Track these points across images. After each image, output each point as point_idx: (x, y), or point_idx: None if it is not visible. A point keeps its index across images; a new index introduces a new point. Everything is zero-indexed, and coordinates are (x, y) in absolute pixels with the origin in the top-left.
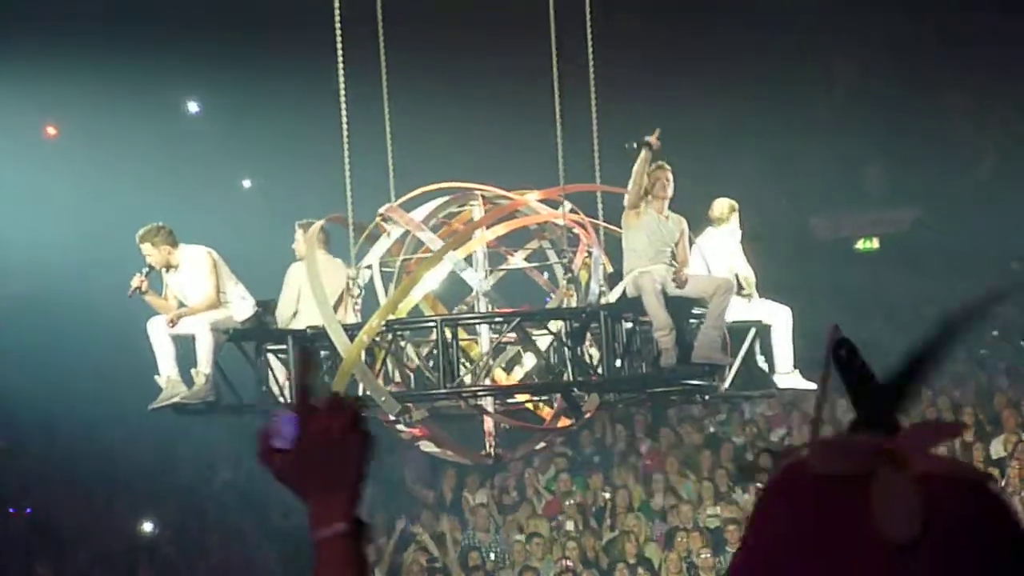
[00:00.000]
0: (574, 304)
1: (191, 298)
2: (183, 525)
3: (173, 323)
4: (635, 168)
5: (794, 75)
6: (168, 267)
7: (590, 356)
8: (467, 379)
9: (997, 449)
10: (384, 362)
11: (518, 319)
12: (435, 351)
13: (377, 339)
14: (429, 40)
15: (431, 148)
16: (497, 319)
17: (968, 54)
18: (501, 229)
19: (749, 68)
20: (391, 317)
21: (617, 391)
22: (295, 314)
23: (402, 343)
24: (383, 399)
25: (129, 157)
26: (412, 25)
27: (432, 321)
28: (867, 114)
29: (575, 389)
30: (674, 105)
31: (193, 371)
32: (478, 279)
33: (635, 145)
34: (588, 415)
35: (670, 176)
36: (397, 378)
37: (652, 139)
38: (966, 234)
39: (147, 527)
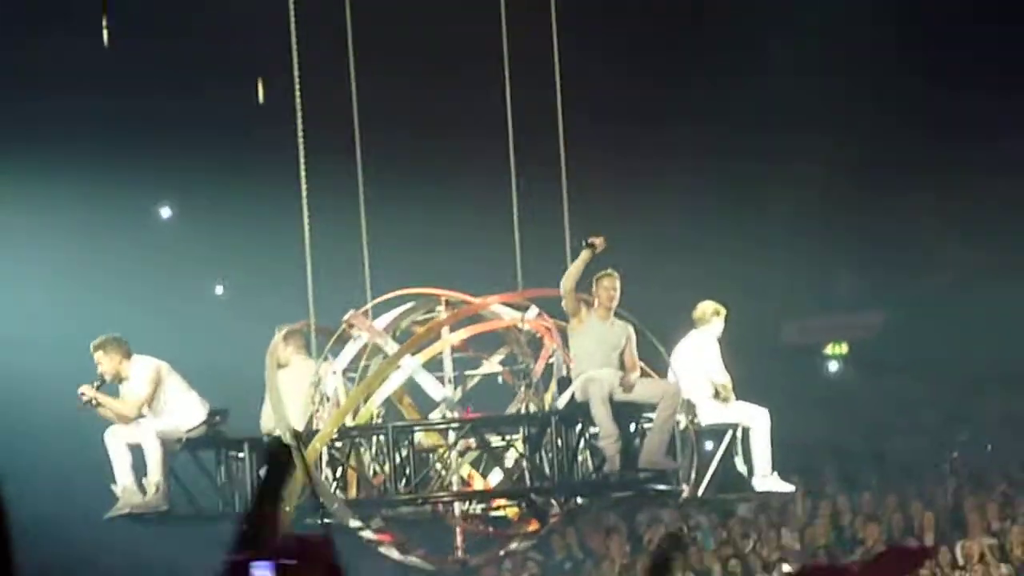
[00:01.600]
0: (532, 409)
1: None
2: None
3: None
4: (573, 264)
5: (756, 177)
6: (119, 378)
7: (546, 462)
8: (435, 484)
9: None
10: (343, 469)
11: (470, 425)
12: (388, 457)
13: (338, 446)
14: (401, 146)
15: (405, 252)
16: (453, 425)
17: (932, 152)
18: (464, 334)
19: (715, 170)
20: (348, 424)
21: (568, 496)
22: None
23: (362, 450)
24: (335, 507)
25: (99, 262)
26: (380, 130)
27: (383, 429)
28: (833, 217)
29: (532, 495)
30: (639, 208)
31: (144, 481)
32: (433, 386)
33: (583, 243)
34: (554, 519)
35: (616, 284)
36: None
37: (596, 240)
38: (933, 337)
39: None
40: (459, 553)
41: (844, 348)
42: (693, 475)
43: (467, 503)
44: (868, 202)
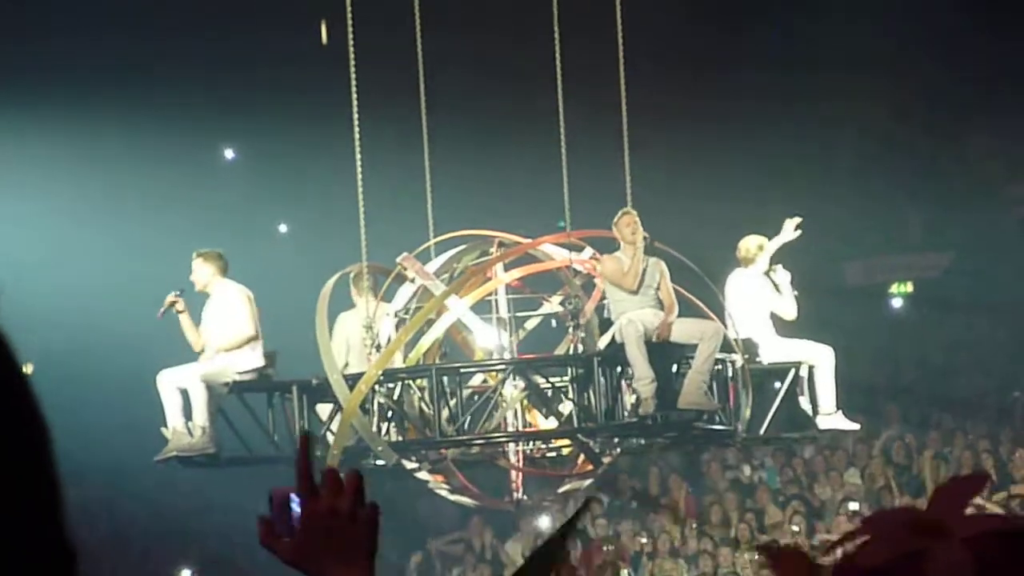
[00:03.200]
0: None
1: (224, 333)
2: (219, 572)
3: (203, 352)
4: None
5: (824, 119)
6: (203, 291)
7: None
8: (495, 424)
9: None
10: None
11: (515, 366)
12: (432, 398)
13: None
14: (462, 90)
15: (467, 195)
16: (499, 366)
17: (995, 96)
18: (516, 274)
19: (778, 112)
20: (391, 366)
21: (608, 437)
22: (346, 365)
23: (412, 391)
24: (379, 449)
25: (163, 205)
26: (440, 74)
27: (426, 370)
28: (898, 159)
29: (578, 436)
30: (702, 150)
31: (190, 424)
32: (481, 329)
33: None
34: (607, 459)
35: (635, 220)
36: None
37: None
38: (998, 277)
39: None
40: (515, 493)
41: (909, 287)
42: (749, 414)
43: (519, 443)
44: (933, 143)
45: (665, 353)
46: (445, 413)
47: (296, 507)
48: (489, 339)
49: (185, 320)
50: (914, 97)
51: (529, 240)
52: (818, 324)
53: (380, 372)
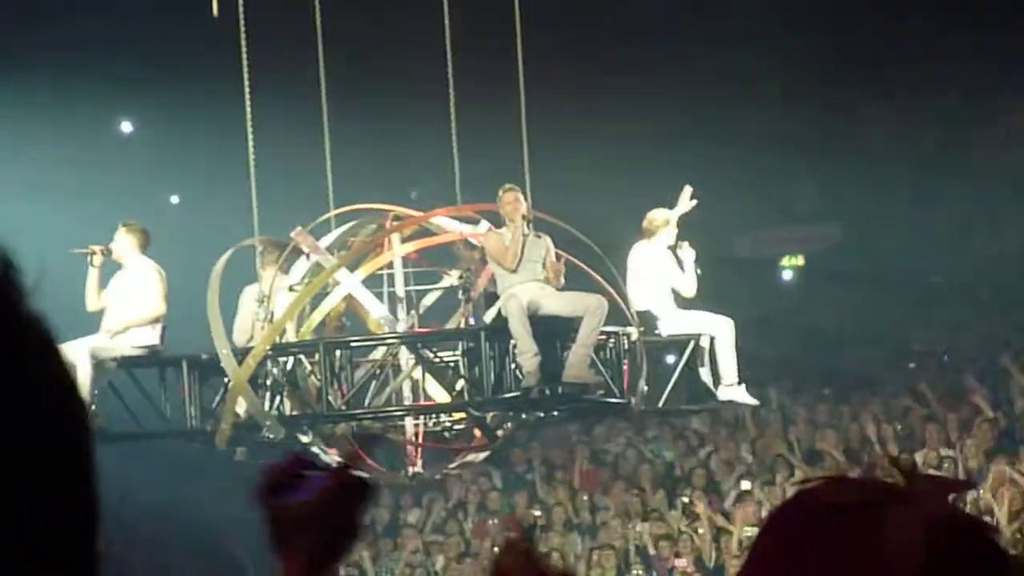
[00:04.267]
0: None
1: (134, 308)
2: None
3: (112, 334)
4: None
5: (714, 93)
6: (118, 261)
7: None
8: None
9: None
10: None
11: (403, 340)
12: (321, 372)
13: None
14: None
15: (362, 167)
16: (389, 340)
17: (887, 70)
18: (409, 247)
19: (671, 86)
20: (278, 341)
21: (490, 411)
22: (251, 338)
23: (304, 365)
24: (268, 423)
25: (59, 178)
26: (337, 45)
27: (315, 344)
28: (789, 132)
29: (468, 409)
30: (597, 121)
31: None
32: (372, 303)
33: None
34: (502, 433)
35: (517, 196)
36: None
37: None
38: (888, 250)
39: None
40: (413, 468)
41: (800, 260)
42: (645, 387)
43: (416, 417)
44: (824, 117)
45: (550, 327)
46: (335, 387)
47: (316, 476)
48: (381, 313)
49: (94, 275)
50: (805, 70)
51: (421, 213)
52: (710, 296)
53: (268, 347)
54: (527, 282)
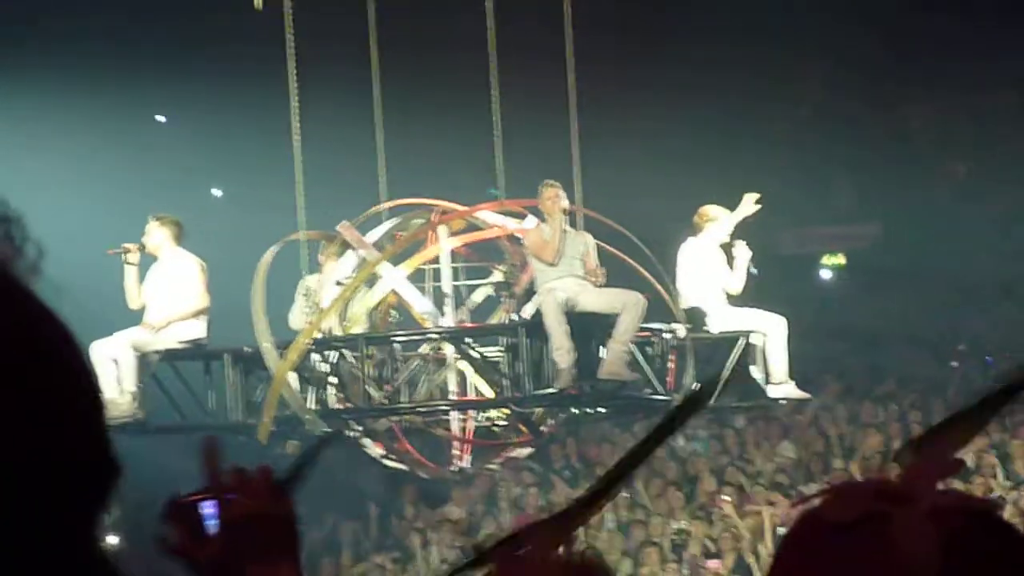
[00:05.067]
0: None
1: (177, 302)
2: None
3: (155, 329)
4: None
5: (757, 90)
6: (152, 254)
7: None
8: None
9: None
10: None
11: (443, 336)
12: (361, 367)
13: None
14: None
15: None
16: (431, 335)
17: (930, 69)
18: (455, 242)
19: (714, 84)
20: (321, 335)
21: (527, 407)
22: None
23: (352, 359)
24: (307, 418)
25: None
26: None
27: (354, 339)
28: (833, 130)
29: (511, 405)
30: (640, 120)
31: (116, 391)
32: (416, 298)
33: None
34: (546, 430)
35: (558, 192)
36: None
37: None
38: (930, 249)
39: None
40: (458, 463)
41: (841, 259)
42: (693, 384)
43: (461, 412)
44: (868, 115)
45: (587, 324)
46: (380, 381)
47: (208, 511)
48: (425, 307)
49: (132, 273)
50: (850, 69)
51: (464, 208)
52: (752, 294)
53: (310, 340)
54: (565, 277)
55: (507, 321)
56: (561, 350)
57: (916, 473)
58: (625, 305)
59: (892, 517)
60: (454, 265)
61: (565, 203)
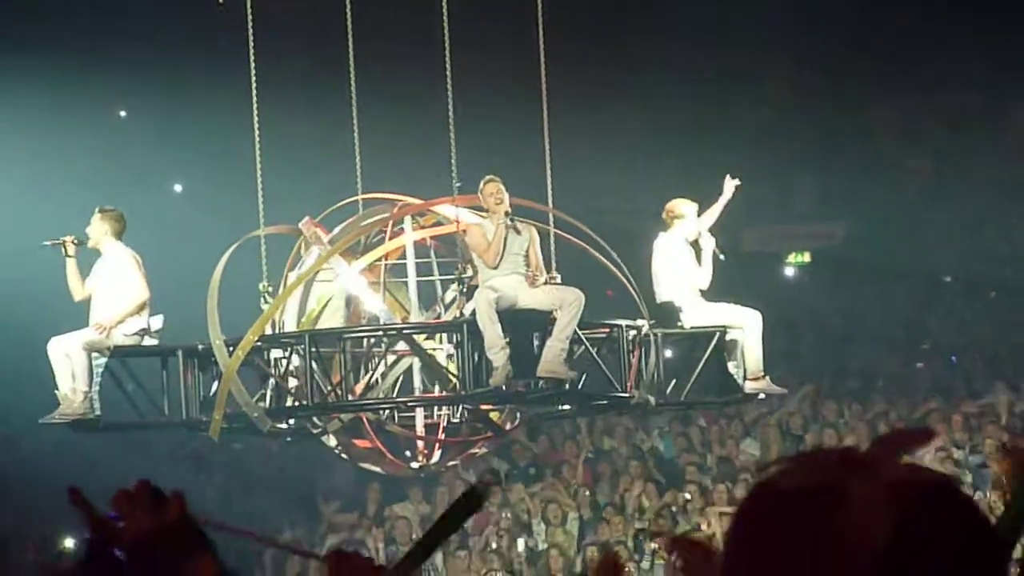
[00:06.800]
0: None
1: (119, 298)
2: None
3: (105, 329)
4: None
5: (722, 90)
6: (95, 248)
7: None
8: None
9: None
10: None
11: (391, 332)
12: (307, 364)
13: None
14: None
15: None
16: (376, 333)
17: (895, 68)
18: (415, 236)
19: (677, 83)
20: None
21: (461, 406)
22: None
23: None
24: (255, 415)
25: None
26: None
27: (299, 336)
28: (796, 128)
29: (459, 403)
30: (601, 118)
31: (70, 388)
32: (368, 297)
33: None
34: (508, 429)
35: (499, 188)
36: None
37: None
38: (896, 248)
39: (68, 543)
40: (421, 459)
41: (806, 257)
42: (661, 380)
43: (424, 409)
44: (833, 114)
45: (526, 321)
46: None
47: (119, 553)
48: (375, 305)
49: (72, 265)
50: (815, 69)
51: (422, 202)
52: (718, 290)
53: (257, 338)
54: (509, 275)
55: (457, 318)
56: (494, 348)
57: (882, 443)
58: (563, 302)
59: (847, 485)
60: (426, 260)
61: (507, 199)
